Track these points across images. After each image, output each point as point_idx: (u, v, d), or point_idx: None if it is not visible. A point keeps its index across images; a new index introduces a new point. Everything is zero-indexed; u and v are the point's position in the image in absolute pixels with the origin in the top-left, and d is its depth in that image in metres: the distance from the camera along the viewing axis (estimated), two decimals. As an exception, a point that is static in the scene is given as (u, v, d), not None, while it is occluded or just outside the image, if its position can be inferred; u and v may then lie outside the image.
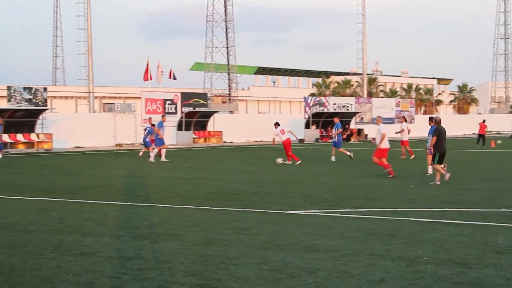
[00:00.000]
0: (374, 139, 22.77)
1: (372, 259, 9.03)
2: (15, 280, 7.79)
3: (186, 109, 50.68)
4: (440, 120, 20.15)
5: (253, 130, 55.52)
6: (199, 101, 52.73)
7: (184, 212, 13.73)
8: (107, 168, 26.19)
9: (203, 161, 30.54)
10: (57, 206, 14.71)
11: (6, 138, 39.86)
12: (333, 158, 30.19)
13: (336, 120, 31.59)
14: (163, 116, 32.71)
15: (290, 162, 27.84)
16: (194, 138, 49.89)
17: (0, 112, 41.39)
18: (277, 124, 28.96)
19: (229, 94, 78.04)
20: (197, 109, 51.71)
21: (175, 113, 49.67)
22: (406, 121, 34.12)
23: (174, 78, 56.67)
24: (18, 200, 15.74)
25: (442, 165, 19.62)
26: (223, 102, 75.46)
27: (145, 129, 33.75)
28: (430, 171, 22.32)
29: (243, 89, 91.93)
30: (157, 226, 11.75)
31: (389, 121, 63.74)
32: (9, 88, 43.20)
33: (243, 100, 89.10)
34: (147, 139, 32.65)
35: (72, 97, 77.55)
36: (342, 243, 10.15)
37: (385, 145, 22.18)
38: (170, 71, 56.93)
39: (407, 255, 9.27)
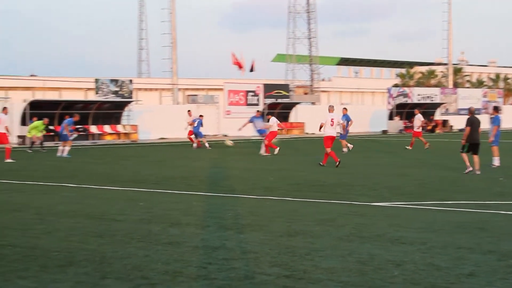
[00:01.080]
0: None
1: (461, 253, 8.84)
2: (106, 268, 8.00)
3: (268, 101, 50.82)
4: (474, 110, 20.23)
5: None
6: (281, 93, 52.78)
7: (268, 203, 13.78)
8: (190, 159, 26.56)
9: (286, 152, 30.54)
10: (143, 196, 15.02)
11: (94, 129, 40.99)
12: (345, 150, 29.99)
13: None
14: (257, 111, 32.46)
15: (269, 154, 28.16)
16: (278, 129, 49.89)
17: (88, 104, 42.60)
18: (270, 115, 29.66)
19: (311, 85, 77.80)
20: (279, 100, 51.79)
21: (257, 104, 49.89)
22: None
23: (251, 71, 56.81)
24: (106, 190, 16.15)
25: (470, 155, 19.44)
26: (305, 94, 75.24)
27: (194, 121, 34.87)
28: (496, 163, 21.74)
29: (325, 80, 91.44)
30: (242, 217, 11.83)
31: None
32: (96, 80, 44.35)
33: (325, 91, 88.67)
34: (199, 130, 34.35)
35: (156, 89, 78.99)
36: (430, 236, 9.98)
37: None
38: (252, 64, 57.12)
39: (498, 249, 9.03)
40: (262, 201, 14.01)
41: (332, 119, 22.93)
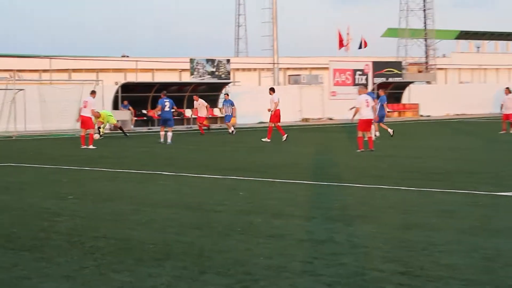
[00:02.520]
0: None
1: None
2: (205, 262, 8.12)
3: (378, 80, 50.25)
4: None
5: (454, 102, 54.00)
6: (393, 71, 52.07)
7: (380, 193, 13.63)
8: (293, 145, 26.61)
9: (397, 137, 30.14)
10: (243, 185, 15.16)
11: (189, 113, 41.64)
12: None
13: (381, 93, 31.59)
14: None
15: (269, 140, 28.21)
16: (387, 111, 49.31)
17: (183, 86, 43.34)
18: (272, 91, 29.66)
19: (426, 63, 76.27)
20: (390, 79, 51.12)
21: (366, 84, 49.42)
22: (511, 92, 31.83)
23: (360, 47, 56.30)
24: (204, 179, 16.40)
25: None
26: (419, 72, 73.84)
27: (225, 102, 36.32)
28: None
29: (442, 57, 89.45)
30: (350, 208, 11.76)
31: None
32: (191, 60, 45.08)
33: (442, 68, 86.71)
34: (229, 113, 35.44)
35: (255, 69, 79.52)
36: None
37: None
38: (362, 39, 56.59)
39: None
40: (373, 191, 13.88)
41: (367, 100, 23.04)
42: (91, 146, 25.77)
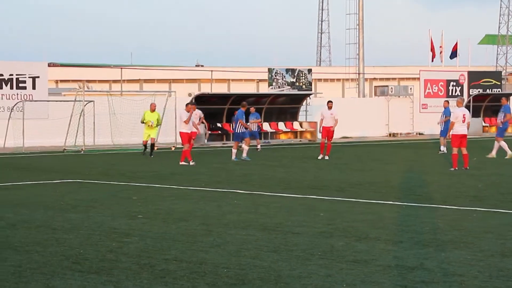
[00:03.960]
0: None
1: None
2: None
3: (475, 91, 49.44)
4: None
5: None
6: (491, 82, 51.16)
7: (475, 215, 13.40)
8: (379, 162, 26.41)
9: (498, 154, 29.55)
10: (324, 205, 15.13)
11: (266, 126, 41.82)
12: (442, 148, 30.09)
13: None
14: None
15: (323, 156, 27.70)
16: (484, 126, 48.50)
17: (260, 98, 43.53)
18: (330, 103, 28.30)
19: (529, 72, 74.70)
20: (488, 91, 50.21)
21: (461, 96, 48.68)
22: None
23: (452, 57, 55.44)
24: (282, 198, 16.43)
25: None
26: (521, 82, 72.40)
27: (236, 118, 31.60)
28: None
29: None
30: (442, 231, 11.60)
31: None
32: (270, 70, 45.26)
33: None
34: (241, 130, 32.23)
35: (339, 80, 79.35)
36: None
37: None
38: (455, 46, 55.81)
39: None
40: (467, 213, 13.65)
41: (464, 114, 22.86)
42: (183, 163, 25.71)
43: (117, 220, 13.18)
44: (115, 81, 65.47)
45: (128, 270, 9.05)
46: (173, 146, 35.49)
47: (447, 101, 32.34)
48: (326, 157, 27.66)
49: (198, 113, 30.74)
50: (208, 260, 9.55)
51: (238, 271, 8.94)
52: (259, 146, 34.17)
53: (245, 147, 27.69)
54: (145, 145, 30.69)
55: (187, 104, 27.38)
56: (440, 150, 30.16)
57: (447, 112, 30.27)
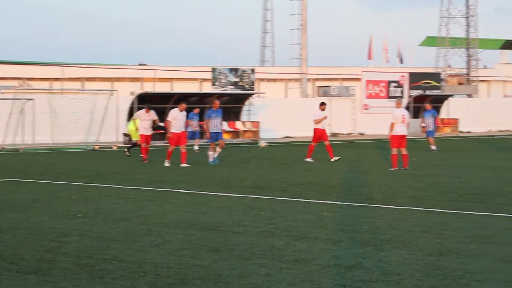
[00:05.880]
0: None
1: None
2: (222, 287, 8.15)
3: (415, 93, 50.11)
4: None
5: (497, 118, 53.70)
6: (431, 83, 51.94)
7: (413, 215, 13.59)
8: (321, 162, 26.58)
9: (435, 155, 30.04)
10: (265, 204, 15.17)
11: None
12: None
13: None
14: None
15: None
16: (423, 126, 49.17)
17: (204, 97, 43.50)
18: (323, 105, 27.78)
19: (468, 74, 76.00)
20: (428, 92, 50.96)
21: (402, 97, 49.31)
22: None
23: (401, 62, 56.23)
24: (223, 197, 16.44)
25: None
26: (460, 84, 73.59)
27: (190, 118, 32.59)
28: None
29: (485, 68, 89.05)
30: (381, 231, 11.73)
31: None
32: (213, 70, 45.27)
33: (485, 81, 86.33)
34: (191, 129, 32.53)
35: (282, 80, 79.68)
36: None
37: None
38: (398, 49, 56.52)
39: None
40: (406, 213, 13.83)
41: (403, 115, 23.29)
42: (184, 164, 24.68)
43: (56, 220, 13.05)
44: (56, 79, 64.68)
45: (66, 270, 8.97)
46: (115, 145, 35.24)
47: (429, 104, 33.77)
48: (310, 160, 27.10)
49: (152, 114, 29.79)
50: (148, 260, 9.52)
51: (178, 270, 8.93)
52: (197, 147, 33.27)
53: (218, 150, 26.41)
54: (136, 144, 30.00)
55: (180, 103, 26.17)
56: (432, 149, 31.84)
57: (429, 114, 32.77)
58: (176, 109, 25.67)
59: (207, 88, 56.67)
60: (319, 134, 27.25)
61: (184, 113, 25.70)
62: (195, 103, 41.66)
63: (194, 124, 33.34)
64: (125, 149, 29.97)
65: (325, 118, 27.37)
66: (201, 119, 34.92)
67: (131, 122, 30.44)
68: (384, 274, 8.76)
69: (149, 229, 11.96)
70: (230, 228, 12.04)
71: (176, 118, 25.24)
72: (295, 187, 18.39)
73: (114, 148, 34.55)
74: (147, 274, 8.76)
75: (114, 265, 9.20)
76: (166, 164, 24.70)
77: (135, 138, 29.31)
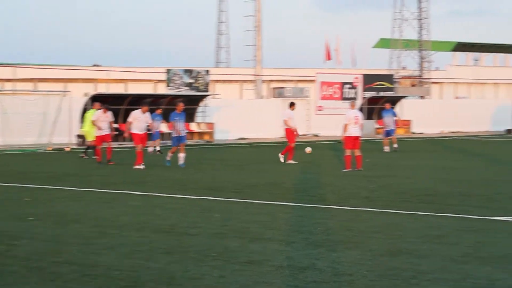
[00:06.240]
0: None
1: None
2: (174, 289, 8.13)
3: (368, 94, 50.48)
4: None
5: (449, 119, 54.33)
6: (384, 85, 52.36)
7: (366, 216, 13.69)
8: (275, 163, 26.63)
9: (389, 156, 30.29)
10: (220, 206, 15.17)
11: (163, 127, 41.53)
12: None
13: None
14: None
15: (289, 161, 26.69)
16: (377, 128, 49.60)
17: (158, 98, 43.32)
18: (291, 105, 27.85)
19: (420, 76, 76.78)
20: (381, 93, 51.37)
21: (355, 98, 49.64)
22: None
23: (354, 64, 56.65)
24: (177, 199, 16.39)
25: None
26: (413, 85, 74.31)
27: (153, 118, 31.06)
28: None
29: (437, 70, 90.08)
30: (334, 232, 11.80)
31: None
32: (168, 71, 45.08)
33: (437, 82, 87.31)
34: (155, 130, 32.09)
35: (237, 81, 79.66)
36: None
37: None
38: (352, 51, 56.91)
39: None
40: (359, 214, 13.93)
41: (357, 116, 23.48)
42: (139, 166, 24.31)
43: (6, 222, 12.90)
44: (8, 80, 63.87)
45: (16, 273, 8.87)
46: (67, 147, 34.92)
47: (389, 103, 34.19)
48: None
49: (110, 114, 29.14)
50: (100, 263, 9.46)
51: (130, 273, 8.88)
52: (157, 147, 33.05)
53: (182, 154, 25.40)
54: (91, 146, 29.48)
55: (143, 104, 25.97)
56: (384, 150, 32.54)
57: (389, 113, 33.32)
58: (138, 110, 25.51)
59: (162, 90, 56.44)
60: (291, 134, 27.32)
61: (147, 114, 25.52)
62: (150, 104, 41.39)
63: (156, 125, 33.01)
64: (82, 153, 29.41)
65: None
66: (164, 119, 34.68)
67: (86, 123, 29.98)
68: (336, 275, 8.81)
69: (102, 231, 11.88)
70: (184, 230, 12.02)
71: (138, 119, 25.09)
72: (250, 188, 18.41)
73: (67, 149, 34.23)
74: (99, 277, 8.70)
75: (66, 268, 9.12)
76: (140, 166, 24.31)
77: (89, 139, 29.02)
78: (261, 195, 17.01)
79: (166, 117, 32.54)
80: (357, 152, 23.22)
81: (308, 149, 28.15)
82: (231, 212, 14.22)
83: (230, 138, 44.97)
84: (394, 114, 34.66)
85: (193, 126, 43.35)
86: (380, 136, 47.45)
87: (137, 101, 41.24)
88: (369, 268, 9.11)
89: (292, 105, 27.79)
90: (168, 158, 25.61)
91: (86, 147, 29.73)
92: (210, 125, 43.64)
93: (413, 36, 76.79)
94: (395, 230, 11.95)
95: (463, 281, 8.47)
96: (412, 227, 12.27)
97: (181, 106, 26.05)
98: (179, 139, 25.50)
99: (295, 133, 27.22)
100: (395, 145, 32.60)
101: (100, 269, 9.10)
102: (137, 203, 15.64)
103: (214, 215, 13.65)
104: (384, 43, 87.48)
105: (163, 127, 34.35)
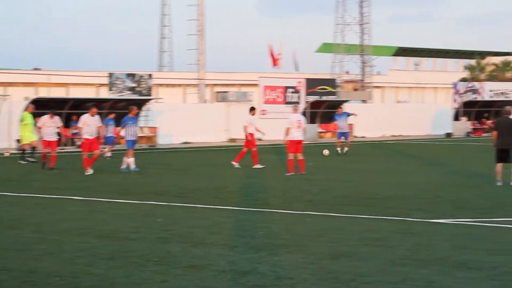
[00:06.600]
0: None
1: (537, 280, 8.75)
2: (115, 295, 8.09)
3: (311, 98, 50.80)
4: (510, 110, 20.51)
5: (390, 123, 54.93)
6: (327, 89, 52.72)
7: (309, 219, 13.78)
8: (219, 167, 26.65)
9: (330, 159, 30.49)
10: (163, 210, 15.12)
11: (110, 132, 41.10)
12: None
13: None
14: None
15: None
16: (319, 132, 49.95)
17: (100, 102, 42.96)
18: (252, 109, 27.80)
19: (362, 80, 77.57)
20: (324, 98, 51.72)
21: (298, 102, 49.91)
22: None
23: (296, 70, 56.93)
24: (120, 204, 16.29)
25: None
26: (355, 90, 75.04)
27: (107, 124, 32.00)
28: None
29: (379, 74, 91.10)
30: (277, 236, 11.85)
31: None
32: (110, 75, 44.74)
33: (378, 87, 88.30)
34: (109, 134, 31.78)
35: (180, 85, 79.46)
36: (501, 259, 9.90)
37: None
38: (294, 56, 57.22)
39: None
40: (302, 217, 14.02)
41: (299, 120, 23.59)
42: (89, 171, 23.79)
43: None
44: None
45: (-46, 281, 8.73)
46: (7, 152, 34.40)
47: (341, 108, 35.08)
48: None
49: (57, 119, 28.48)
50: (40, 269, 9.35)
51: (71, 279, 8.80)
52: (109, 153, 32.47)
53: (131, 159, 25.37)
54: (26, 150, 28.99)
55: (89, 107, 25.21)
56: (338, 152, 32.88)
57: (343, 116, 34.08)
58: (87, 114, 24.79)
59: (104, 94, 56.00)
60: (253, 139, 27.22)
61: (97, 117, 24.88)
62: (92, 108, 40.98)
63: (110, 130, 32.58)
64: (20, 159, 28.90)
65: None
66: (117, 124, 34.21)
67: (22, 127, 29.62)
68: (278, 278, 8.86)
69: (41, 237, 11.75)
70: (126, 235, 11.95)
71: (88, 124, 24.41)
72: (193, 193, 18.37)
73: (7, 154, 33.70)
74: (38, 283, 8.61)
75: (4, 275, 9.01)
76: (88, 172, 23.84)
77: (25, 142, 28.68)
78: (205, 199, 17.00)
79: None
80: (300, 156, 23.35)
81: (326, 151, 28.84)
82: (174, 216, 14.19)
83: (174, 142, 44.79)
84: (347, 116, 35.03)
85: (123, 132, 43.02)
86: (323, 140, 47.84)
87: (79, 105, 40.89)
88: (310, 272, 9.18)
89: (252, 110, 27.74)
90: (124, 165, 25.27)
91: (22, 152, 29.27)
92: (153, 129, 43.44)
93: (355, 40, 77.59)
94: (336, 233, 12.05)
95: (401, 283, 8.59)
96: (353, 230, 12.39)
97: (134, 110, 25.96)
98: (133, 143, 25.43)
99: (249, 138, 27.13)
100: (347, 149, 32.87)
101: (39, 275, 9.01)
102: (79, 208, 15.50)
103: (157, 220, 13.60)
104: (326, 48, 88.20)
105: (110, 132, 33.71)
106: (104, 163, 27.75)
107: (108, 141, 31.96)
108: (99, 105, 41.79)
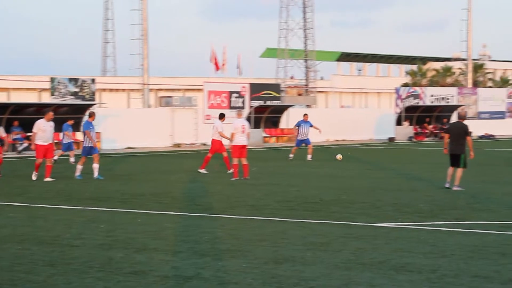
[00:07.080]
0: None
1: (476, 282, 8.88)
2: (56, 302, 7.98)
3: (256, 103, 50.90)
4: (465, 115, 20.93)
5: (334, 128, 55.30)
6: (271, 94, 52.87)
7: (253, 224, 13.79)
8: (163, 173, 26.54)
9: (275, 164, 30.58)
10: (105, 216, 14.99)
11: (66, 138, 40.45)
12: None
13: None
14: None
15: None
16: (264, 136, 50.07)
17: (42, 107, 42.45)
18: (222, 116, 27.32)
19: (306, 85, 78.00)
20: (268, 102, 51.86)
21: (243, 107, 49.98)
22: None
23: (240, 73, 57.01)
24: (61, 210, 16.11)
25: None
26: (299, 95, 75.37)
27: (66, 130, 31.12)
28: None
29: (322, 79, 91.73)
30: (220, 241, 11.83)
31: (499, 115, 62.89)
32: (52, 79, 44.25)
33: (322, 91, 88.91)
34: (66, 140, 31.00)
35: (123, 90, 78.96)
36: (441, 263, 10.03)
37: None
38: (238, 60, 57.30)
39: (520, 278, 9.08)
40: (245, 222, 14.02)
41: (243, 125, 23.65)
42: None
43: None
44: None
45: None
46: None
47: (306, 115, 35.28)
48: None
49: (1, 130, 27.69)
50: (-22, 277, 9.18)
51: (10, 287, 8.66)
52: (73, 159, 31.78)
53: (96, 165, 24.77)
54: None
55: (47, 112, 24.25)
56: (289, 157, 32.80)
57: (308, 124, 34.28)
58: (42, 119, 23.79)
59: (46, 99, 55.33)
60: (217, 146, 26.96)
61: (52, 123, 23.93)
62: (33, 113, 40.55)
63: (70, 135, 31.93)
64: None
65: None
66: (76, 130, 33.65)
67: None
68: (222, 283, 8.84)
69: (-19, 244, 11.54)
70: (68, 242, 11.81)
71: (42, 129, 23.42)
72: (136, 198, 18.25)
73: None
74: (-23, 291, 8.46)
75: None
76: (33, 177, 23.35)
77: None
78: (148, 205, 16.90)
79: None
80: (244, 161, 23.36)
81: (339, 156, 29.00)
82: (117, 222, 14.07)
83: (117, 147, 44.47)
84: (311, 126, 35.06)
85: (78, 136, 42.63)
86: (267, 145, 47.98)
87: (20, 110, 40.36)
88: (254, 276, 9.18)
89: (222, 116, 27.43)
90: (78, 173, 24.80)
91: None
92: (97, 134, 42.96)
93: (299, 46, 77.98)
94: (280, 238, 12.08)
95: (345, 286, 8.64)
96: (297, 234, 12.44)
97: (94, 116, 25.72)
98: (90, 150, 24.97)
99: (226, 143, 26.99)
100: (310, 156, 32.74)
101: (-21, 283, 8.85)
102: (19, 214, 15.28)
103: (100, 226, 13.47)
104: (270, 53, 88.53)
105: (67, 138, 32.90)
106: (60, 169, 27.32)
107: (68, 147, 31.41)
108: (41, 110, 41.43)
